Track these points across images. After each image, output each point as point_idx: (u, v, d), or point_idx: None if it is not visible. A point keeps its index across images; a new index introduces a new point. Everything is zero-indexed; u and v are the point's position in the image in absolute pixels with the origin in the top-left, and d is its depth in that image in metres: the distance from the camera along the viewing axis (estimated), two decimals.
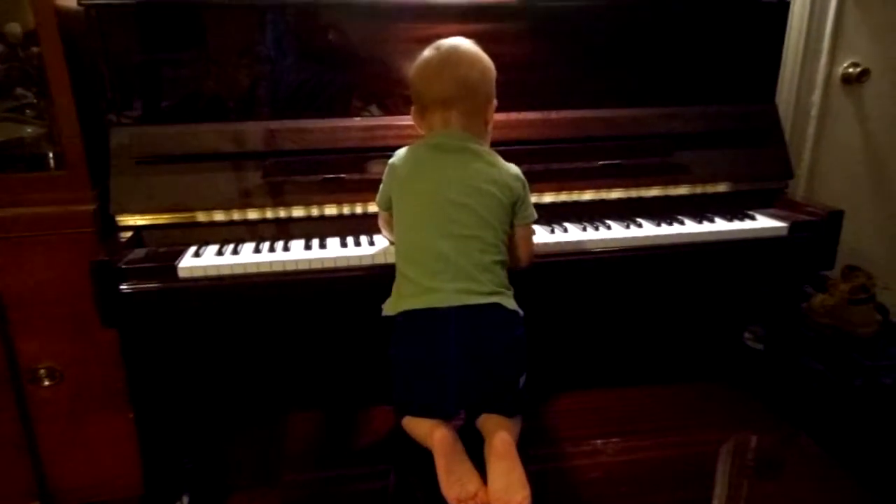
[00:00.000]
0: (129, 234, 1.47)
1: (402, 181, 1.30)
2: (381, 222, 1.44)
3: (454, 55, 1.30)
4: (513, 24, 1.63)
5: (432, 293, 1.22)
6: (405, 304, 1.24)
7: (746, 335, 2.05)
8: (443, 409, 1.21)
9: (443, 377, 1.21)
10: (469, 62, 1.30)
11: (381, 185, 1.37)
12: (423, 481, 1.14)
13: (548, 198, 1.64)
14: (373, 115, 1.61)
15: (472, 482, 1.10)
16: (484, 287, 1.24)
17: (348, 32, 1.58)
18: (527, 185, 1.33)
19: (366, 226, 1.55)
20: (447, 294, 1.21)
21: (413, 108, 1.37)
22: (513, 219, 1.31)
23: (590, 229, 1.58)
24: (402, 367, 1.26)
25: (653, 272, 1.60)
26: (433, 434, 1.16)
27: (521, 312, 1.28)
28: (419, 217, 1.27)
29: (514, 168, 1.33)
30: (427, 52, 1.33)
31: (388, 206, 1.35)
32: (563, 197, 1.65)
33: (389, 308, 1.29)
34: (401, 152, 1.35)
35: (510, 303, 1.27)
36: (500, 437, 1.16)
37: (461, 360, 1.21)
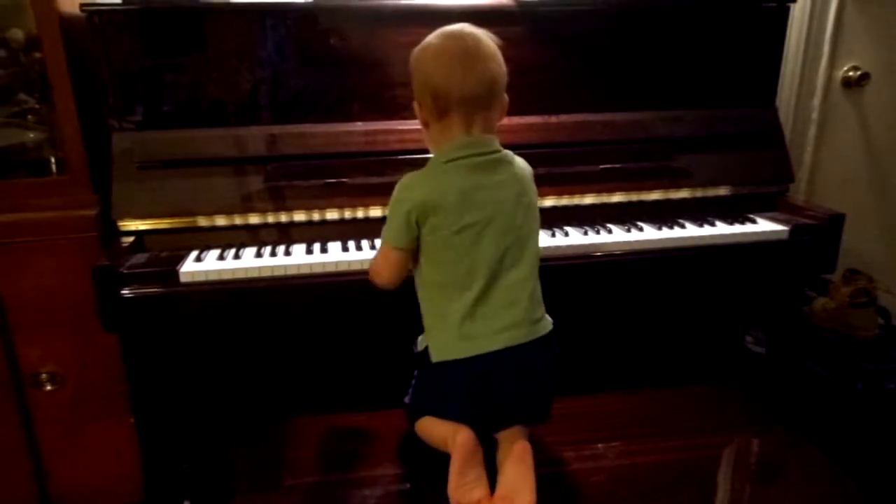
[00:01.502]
0: (130, 238, 1.47)
1: (448, 215, 1.15)
2: (390, 264, 1.22)
3: (480, 47, 1.16)
4: (514, 28, 1.63)
5: (505, 332, 1.17)
6: (476, 347, 1.16)
7: (748, 338, 2.04)
8: (475, 427, 1.18)
9: (498, 403, 1.20)
10: (493, 55, 1.18)
11: (396, 225, 1.19)
12: (433, 486, 1.14)
13: (549, 201, 1.64)
14: (374, 120, 1.61)
15: (478, 490, 1.10)
16: (539, 316, 1.24)
17: (349, 37, 1.58)
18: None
19: (367, 230, 1.55)
20: (518, 330, 1.18)
21: (425, 110, 1.20)
22: None
23: (591, 233, 1.58)
24: (444, 394, 1.21)
25: (654, 276, 1.60)
26: (456, 435, 1.14)
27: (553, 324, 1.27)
28: (483, 251, 1.16)
29: (527, 167, 1.27)
30: (442, 41, 1.17)
31: (409, 244, 1.19)
32: (564, 201, 1.65)
33: (438, 353, 1.20)
34: (422, 185, 1.18)
35: (549, 323, 1.26)
36: (522, 444, 1.16)
37: (515, 391, 1.20)
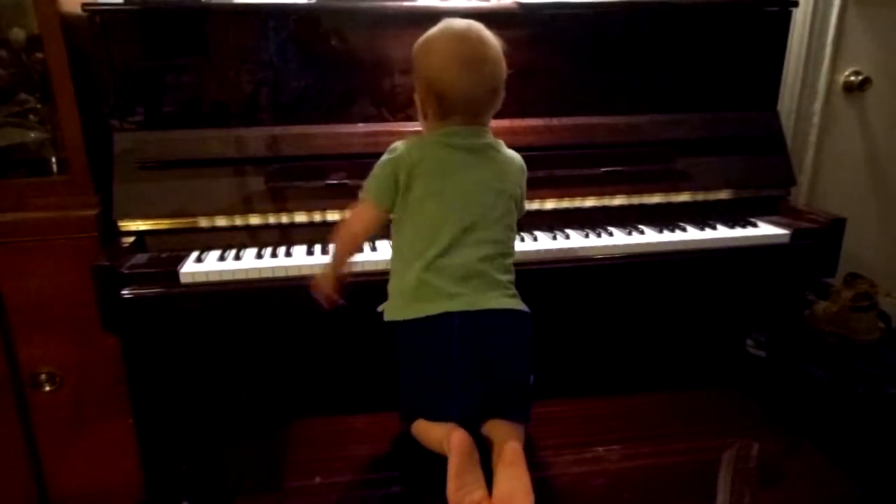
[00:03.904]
0: (131, 239, 1.47)
1: (422, 182, 1.19)
2: (363, 220, 1.27)
3: (487, 51, 1.17)
4: (515, 31, 1.63)
5: (458, 298, 1.18)
6: (427, 308, 1.19)
7: (749, 342, 2.04)
8: (456, 413, 1.19)
9: (462, 382, 1.19)
10: (498, 56, 1.19)
11: (381, 180, 1.22)
12: (430, 488, 1.13)
13: (550, 204, 1.64)
14: (376, 121, 1.61)
15: (477, 491, 1.09)
16: (508, 291, 1.24)
17: (351, 38, 1.58)
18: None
19: None
20: (473, 298, 1.19)
21: (427, 106, 1.22)
22: None
23: (592, 236, 1.58)
24: (418, 372, 1.23)
25: (655, 279, 1.60)
26: (451, 436, 1.13)
27: (529, 311, 1.26)
28: (445, 221, 1.19)
29: (518, 159, 1.29)
30: (449, 44, 1.18)
31: (387, 206, 1.24)
32: (566, 203, 1.65)
33: (398, 312, 1.23)
34: (412, 148, 1.21)
35: (522, 304, 1.26)
36: (511, 446, 1.15)
37: (481, 364, 1.19)
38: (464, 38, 1.18)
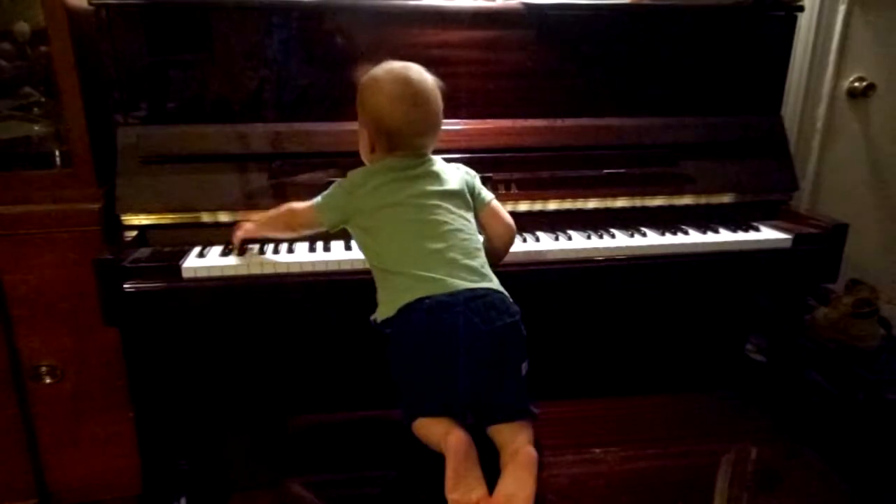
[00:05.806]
0: (133, 233, 1.47)
1: (373, 201, 1.28)
2: (301, 222, 1.37)
3: (430, 95, 1.28)
4: (521, 32, 1.63)
5: (433, 282, 1.21)
6: (405, 297, 1.22)
7: (749, 346, 2.04)
8: (453, 402, 1.19)
9: (452, 366, 1.19)
10: (436, 95, 1.29)
11: (333, 204, 1.31)
12: (428, 485, 1.13)
13: (552, 205, 1.64)
14: None
15: (476, 490, 1.09)
16: (482, 271, 1.26)
17: (355, 36, 1.58)
18: (475, 174, 1.38)
19: None
20: (449, 281, 1.21)
21: (374, 141, 1.30)
22: (476, 209, 1.35)
23: (594, 237, 1.58)
24: (408, 364, 1.24)
25: (656, 281, 1.60)
26: (449, 435, 1.14)
27: (506, 294, 1.28)
28: (405, 225, 1.26)
29: (460, 166, 1.37)
30: (397, 86, 1.27)
31: (335, 226, 1.33)
32: (568, 205, 1.65)
33: (387, 310, 1.26)
34: (357, 178, 1.31)
35: (501, 287, 1.28)
36: (528, 450, 1.16)
37: (469, 347, 1.19)
38: (408, 80, 1.27)
